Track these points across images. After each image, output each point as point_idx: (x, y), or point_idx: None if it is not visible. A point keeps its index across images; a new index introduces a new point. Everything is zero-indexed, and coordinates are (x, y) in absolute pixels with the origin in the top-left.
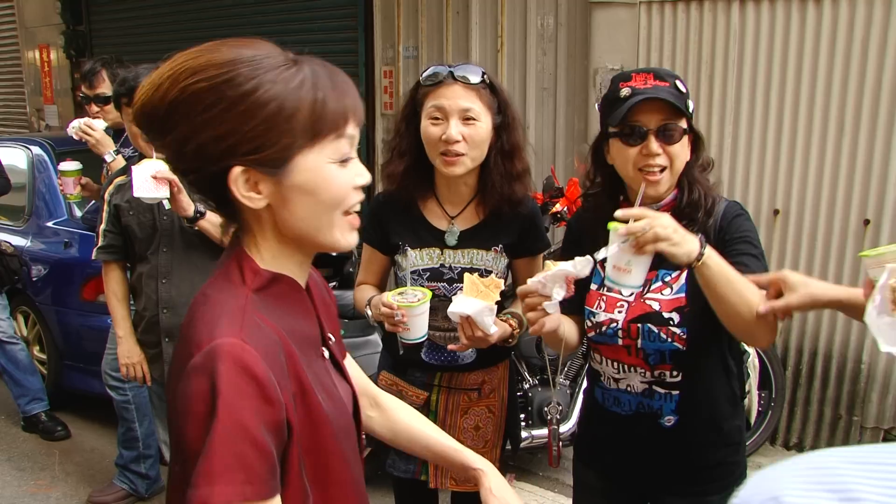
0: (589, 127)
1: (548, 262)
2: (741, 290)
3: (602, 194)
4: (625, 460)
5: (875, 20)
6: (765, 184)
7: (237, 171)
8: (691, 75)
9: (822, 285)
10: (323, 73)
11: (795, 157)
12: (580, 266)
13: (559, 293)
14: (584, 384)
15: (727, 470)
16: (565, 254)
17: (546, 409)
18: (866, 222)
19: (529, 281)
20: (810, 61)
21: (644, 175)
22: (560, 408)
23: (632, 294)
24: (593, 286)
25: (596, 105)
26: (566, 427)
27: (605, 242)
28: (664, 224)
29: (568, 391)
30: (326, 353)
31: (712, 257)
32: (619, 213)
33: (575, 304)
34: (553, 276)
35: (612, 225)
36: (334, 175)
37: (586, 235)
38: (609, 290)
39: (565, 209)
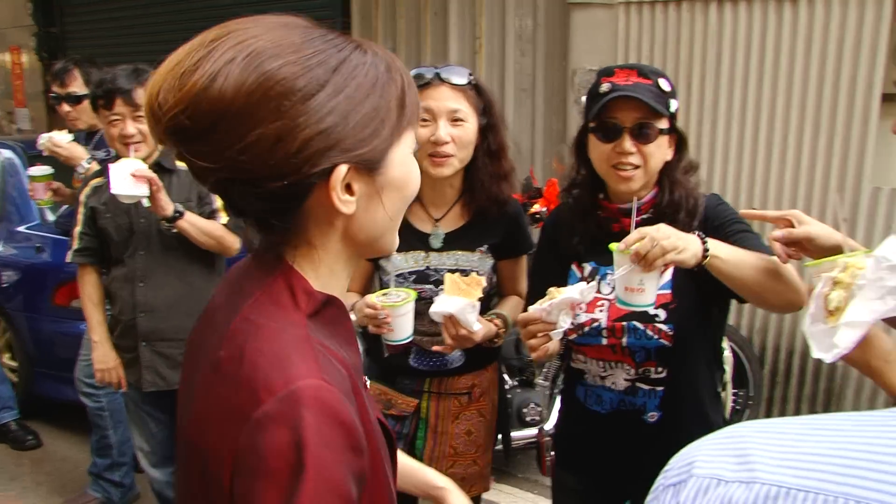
0: (567, 128)
1: (551, 289)
2: (756, 264)
3: (583, 189)
4: (605, 460)
5: (849, 21)
6: (742, 183)
7: (341, 171)
8: (670, 76)
9: (826, 230)
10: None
11: (772, 157)
12: (586, 293)
13: (566, 320)
14: (563, 385)
15: None
16: (540, 256)
17: (525, 410)
18: (843, 221)
19: (532, 308)
20: (787, 61)
21: (616, 172)
22: (539, 409)
23: (612, 292)
24: None
25: (583, 99)
26: (545, 429)
27: (583, 236)
28: (666, 234)
29: (547, 392)
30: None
31: (717, 247)
32: (619, 245)
33: None
34: (559, 304)
35: (613, 246)
36: (415, 166)
37: (563, 231)
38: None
39: (544, 210)
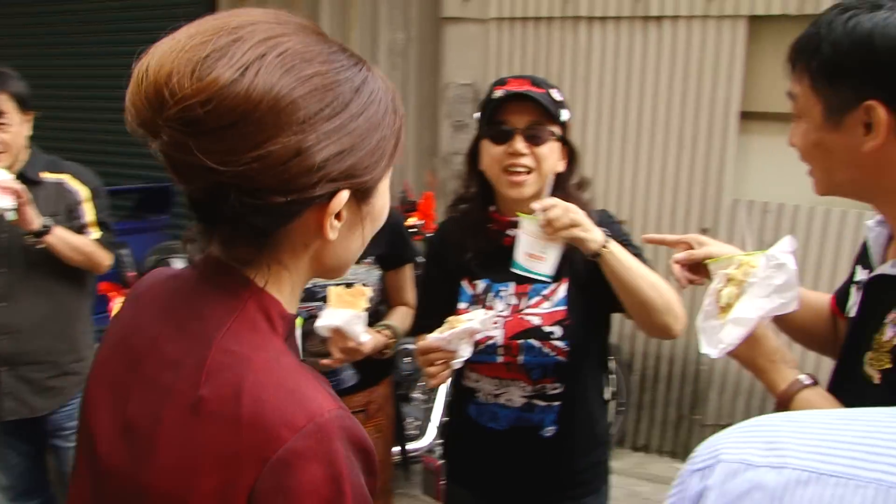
0: (439, 142)
1: (451, 318)
2: (647, 274)
3: (473, 202)
4: (502, 476)
5: (708, 42)
6: (610, 195)
7: (343, 196)
8: None
9: (727, 249)
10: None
11: (639, 170)
12: (487, 323)
13: (467, 350)
14: (442, 400)
15: (599, 469)
16: (429, 272)
17: (402, 424)
18: (704, 231)
19: (430, 337)
20: (652, 80)
21: (509, 176)
22: (418, 423)
23: (506, 309)
24: (462, 305)
25: (475, 116)
26: (422, 444)
27: (474, 252)
28: (577, 209)
29: (423, 407)
30: None
31: (616, 246)
32: (535, 204)
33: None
34: (459, 334)
35: (522, 214)
36: (388, 196)
37: (450, 245)
38: (487, 309)
39: (421, 223)
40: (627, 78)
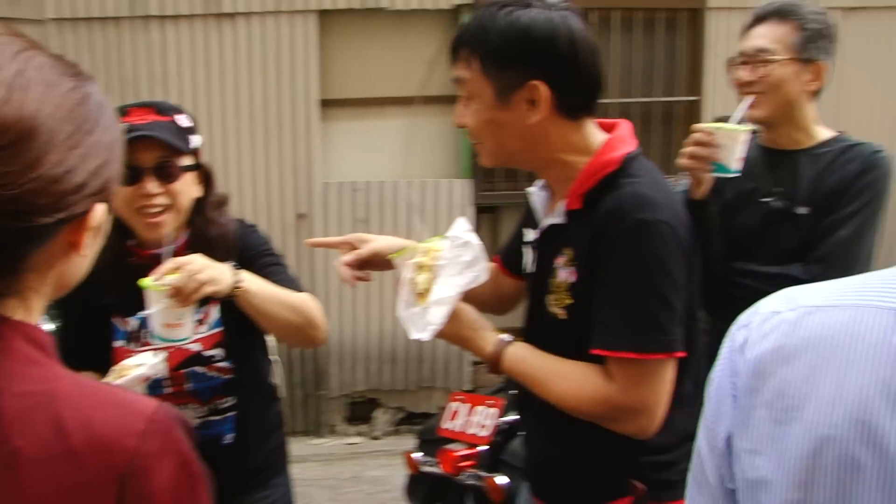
0: None
1: (121, 364)
2: (284, 298)
3: (109, 238)
4: None
5: (283, 36)
6: None
7: (100, 210)
8: (116, 96)
9: (389, 241)
10: None
11: (229, 165)
12: (158, 367)
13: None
14: None
15: (280, 451)
16: (68, 309)
17: None
18: (300, 216)
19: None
20: (232, 75)
21: (144, 218)
22: None
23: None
24: (118, 343)
25: None
26: None
27: (118, 289)
28: (200, 267)
29: None
30: None
31: (249, 280)
32: (148, 280)
33: (98, 363)
34: (131, 381)
35: (145, 283)
36: None
37: (92, 285)
38: (144, 344)
39: None
40: (207, 75)
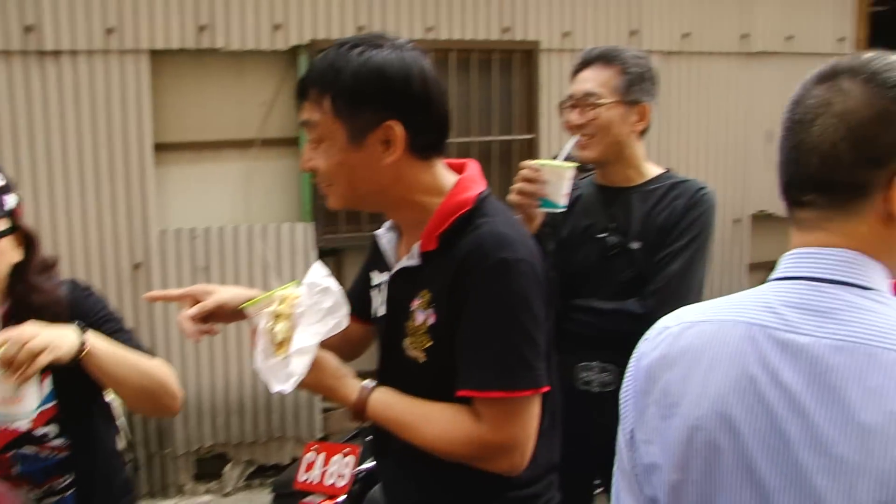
0: None
1: None
2: (134, 363)
3: None
4: None
5: (113, 77)
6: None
7: None
8: None
9: (234, 291)
10: None
11: (57, 211)
12: None
13: None
14: None
15: None
16: None
17: None
18: (136, 266)
19: None
20: (58, 118)
21: None
22: None
23: None
24: None
25: None
26: None
27: None
28: (33, 333)
29: None
30: None
31: (96, 342)
32: None
33: None
34: None
35: None
36: None
37: None
38: None
39: None
40: (29, 119)
